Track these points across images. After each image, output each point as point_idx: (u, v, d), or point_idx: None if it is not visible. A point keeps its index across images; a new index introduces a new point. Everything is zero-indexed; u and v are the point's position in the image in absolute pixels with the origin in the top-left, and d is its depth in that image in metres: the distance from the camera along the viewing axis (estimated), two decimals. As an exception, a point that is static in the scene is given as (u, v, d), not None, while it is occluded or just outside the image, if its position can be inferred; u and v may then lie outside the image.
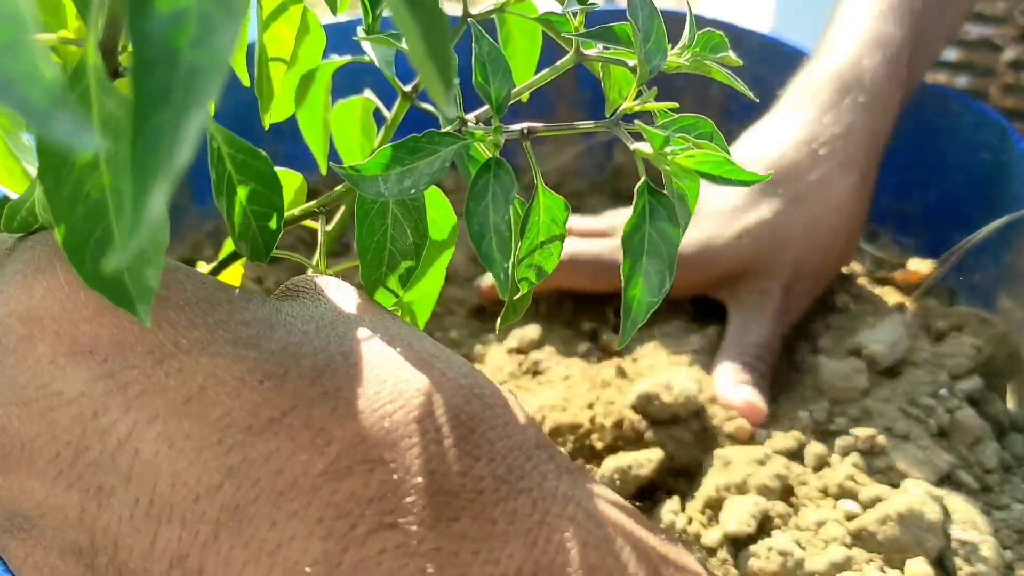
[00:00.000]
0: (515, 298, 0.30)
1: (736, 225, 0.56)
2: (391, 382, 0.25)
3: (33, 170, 0.32)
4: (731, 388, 0.51)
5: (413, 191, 0.26)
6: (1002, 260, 0.59)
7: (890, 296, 0.60)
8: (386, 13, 0.29)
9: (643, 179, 0.27)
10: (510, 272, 0.27)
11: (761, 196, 0.57)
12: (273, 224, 0.28)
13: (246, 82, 0.35)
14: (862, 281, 0.62)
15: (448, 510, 0.23)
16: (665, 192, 0.27)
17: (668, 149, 0.27)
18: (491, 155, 0.28)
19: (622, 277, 0.27)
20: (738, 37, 0.69)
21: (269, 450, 0.23)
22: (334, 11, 0.32)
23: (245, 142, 0.27)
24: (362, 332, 0.26)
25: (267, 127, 0.35)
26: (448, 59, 0.17)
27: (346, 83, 0.40)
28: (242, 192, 0.27)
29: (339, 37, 0.39)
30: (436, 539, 0.23)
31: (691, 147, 0.26)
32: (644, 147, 0.27)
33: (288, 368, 0.24)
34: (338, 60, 0.36)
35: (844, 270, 0.63)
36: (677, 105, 0.28)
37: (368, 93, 0.38)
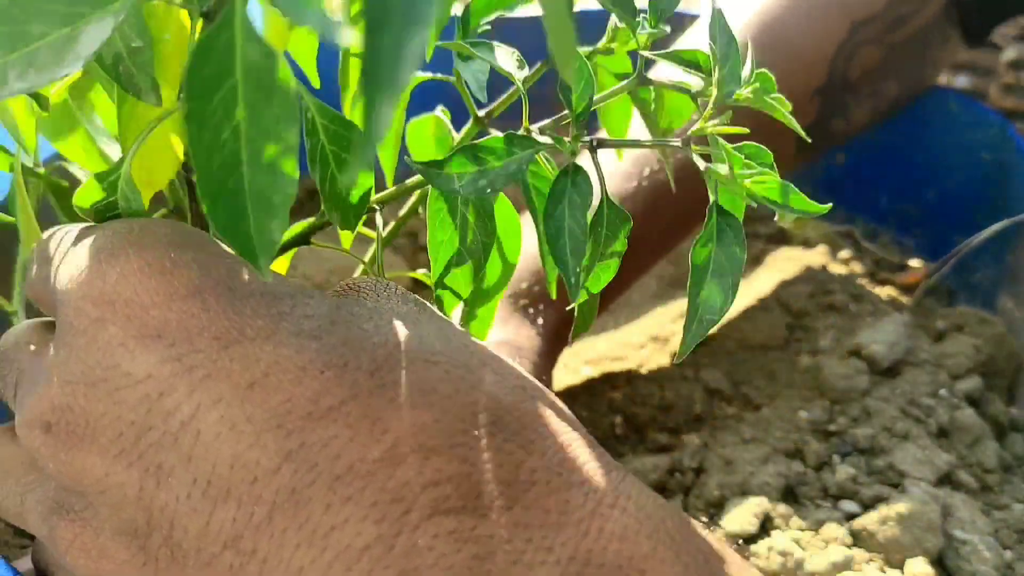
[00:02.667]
0: (580, 303, 0.30)
1: None
2: (448, 379, 0.25)
3: (108, 149, 0.33)
4: None
5: (489, 191, 0.27)
6: (1002, 260, 0.59)
7: (890, 296, 0.61)
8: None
9: (713, 199, 0.28)
10: (580, 276, 0.28)
11: None
12: (361, 193, 0.29)
13: (316, 84, 0.35)
14: (862, 281, 0.62)
15: (501, 499, 0.24)
16: (734, 214, 0.28)
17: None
18: (568, 163, 0.28)
19: (688, 294, 0.28)
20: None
21: (328, 436, 0.24)
22: None
23: (338, 113, 0.28)
24: (421, 331, 0.26)
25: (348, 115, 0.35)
26: (572, 33, 0.20)
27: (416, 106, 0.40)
28: (335, 161, 0.28)
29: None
30: (489, 526, 0.23)
31: (760, 173, 0.27)
32: (721, 168, 0.28)
33: (348, 360, 0.25)
34: (420, 76, 0.36)
35: (844, 270, 0.63)
36: (748, 131, 0.28)
37: (440, 111, 0.38)
